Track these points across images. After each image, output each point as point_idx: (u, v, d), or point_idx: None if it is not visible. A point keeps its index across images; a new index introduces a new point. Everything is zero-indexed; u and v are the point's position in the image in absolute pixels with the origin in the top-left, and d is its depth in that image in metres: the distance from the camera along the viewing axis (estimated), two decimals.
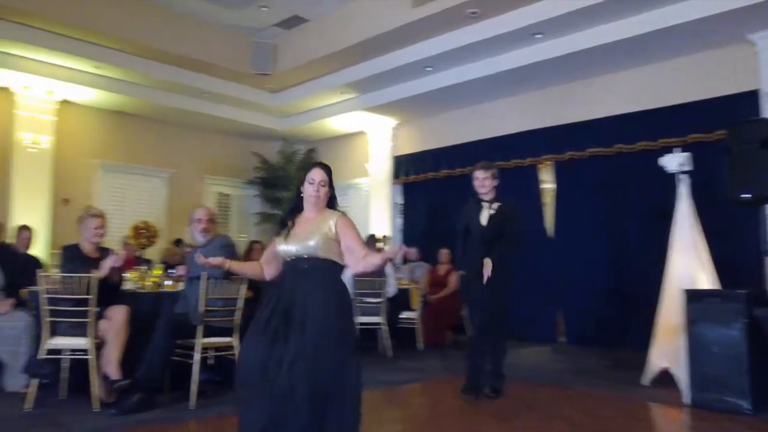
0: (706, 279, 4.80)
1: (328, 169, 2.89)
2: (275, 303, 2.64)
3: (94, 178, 9.36)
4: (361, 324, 6.37)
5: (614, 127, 7.48)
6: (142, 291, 4.63)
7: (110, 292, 4.10)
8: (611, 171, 7.55)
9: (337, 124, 10.38)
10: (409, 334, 6.99)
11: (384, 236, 9.34)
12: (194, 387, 4.02)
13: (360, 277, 6.43)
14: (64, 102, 8.94)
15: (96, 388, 3.86)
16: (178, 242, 8.63)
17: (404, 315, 6.96)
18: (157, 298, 4.55)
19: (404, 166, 10.09)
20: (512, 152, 8.51)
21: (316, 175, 2.83)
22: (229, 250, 4.37)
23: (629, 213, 7.35)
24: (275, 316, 2.59)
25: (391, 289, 6.59)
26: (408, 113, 9.78)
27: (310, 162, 10.61)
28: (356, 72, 8.85)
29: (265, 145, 10.95)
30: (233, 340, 4.29)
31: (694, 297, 4.43)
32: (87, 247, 4.22)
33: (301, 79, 9.51)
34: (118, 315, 4.02)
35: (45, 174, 8.52)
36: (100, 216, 4.27)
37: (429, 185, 9.77)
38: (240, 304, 4.36)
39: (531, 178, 8.43)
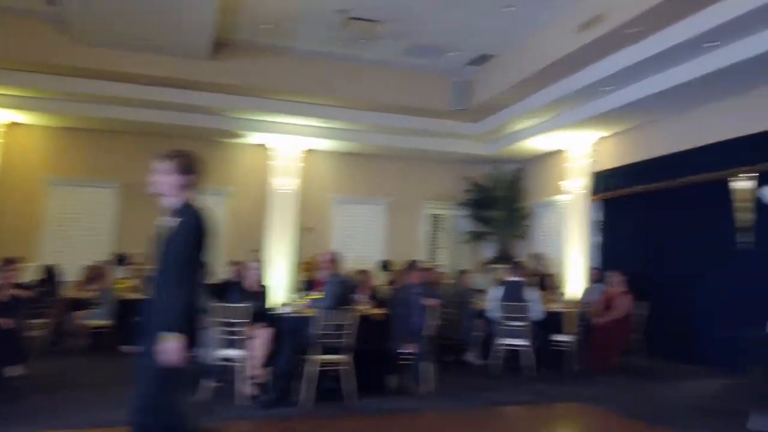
0: None
1: None
2: None
3: (331, 209, 11.55)
4: (506, 345, 6.94)
5: None
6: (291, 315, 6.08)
7: (260, 315, 5.68)
8: None
9: (536, 143, 10.71)
10: (566, 358, 7.19)
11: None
12: (302, 386, 5.30)
13: (505, 302, 7.00)
14: (309, 151, 11.31)
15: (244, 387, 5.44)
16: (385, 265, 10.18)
17: (556, 338, 7.18)
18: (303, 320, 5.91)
19: (604, 182, 9.90)
20: (733, 160, 7.67)
21: None
22: (333, 283, 5.57)
23: None
24: None
25: (534, 314, 6.92)
26: (606, 127, 9.65)
27: (517, 181, 11.22)
28: (543, 97, 9.18)
29: (476, 169, 11.84)
30: (340, 358, 5.45)
31: None
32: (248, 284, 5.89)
33: (498, 108, 10.20)
34: (264, 334, 5.56)
35: (293, 209, 10.96)
36: (257, 261, 5.90)
37: (631, 201, 9.43)
38: (349, 329, 5.47)
39: None
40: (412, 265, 7.22)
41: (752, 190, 7.48)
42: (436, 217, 12.17)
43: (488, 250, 11.35)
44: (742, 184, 7.57)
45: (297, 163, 11.12)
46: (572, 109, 9.38)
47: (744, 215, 7.55)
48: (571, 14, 7.60)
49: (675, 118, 8.68)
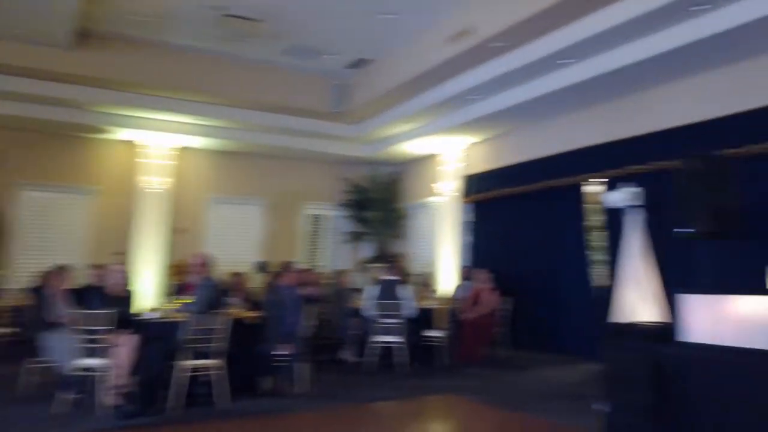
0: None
1: None
2: None
3: (206, 210, 11.20)
4: (380, 342, 7.13)
5: None
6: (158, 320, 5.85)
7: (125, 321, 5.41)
8: None
9: (411, 147, 11.07)
10: (437, 352, 7.52)
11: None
12: (171, 392, 5.15)
13: (380, 300, 7.19)
14: (183, 149, 10.88)
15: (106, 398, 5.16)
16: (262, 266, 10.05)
17: (427, 333, 7.50)
18: (171, 326, 5.70)
19: (475, 185, 10.45)
20: (591, 165, 8.17)
21: None
22: (205, 286, 5.45)
23: None
24: None
25: (406, 311, 7.18)
26: (476, 133, 10.16)
27: (394, 183, 11.52)
28: (417, 103, 9.49)
29: (355, 170, 12.01)
30: (211, 363, 5.33)
31: None
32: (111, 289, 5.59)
33: (375, 111, 10.40)
34: (128, 341, 5.30)
35: (164, 210, 10.50)
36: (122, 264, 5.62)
37: (500, 203, 9.99)
38: (219, 333, 5.36)
39: None
40: (286, 266, 7.19)
41: (601, 194, 8.23)
42: (315, 218, 12.20)
43: (367, 250, 11.57)
44: (592, 188, 8.30)
45: (169, 162, 10.67)
46: (444, 116, 9.79)
47: (594, 217, 8.29)
48: (442, 26, 7.95)
49: (537, 126, 9.35)
